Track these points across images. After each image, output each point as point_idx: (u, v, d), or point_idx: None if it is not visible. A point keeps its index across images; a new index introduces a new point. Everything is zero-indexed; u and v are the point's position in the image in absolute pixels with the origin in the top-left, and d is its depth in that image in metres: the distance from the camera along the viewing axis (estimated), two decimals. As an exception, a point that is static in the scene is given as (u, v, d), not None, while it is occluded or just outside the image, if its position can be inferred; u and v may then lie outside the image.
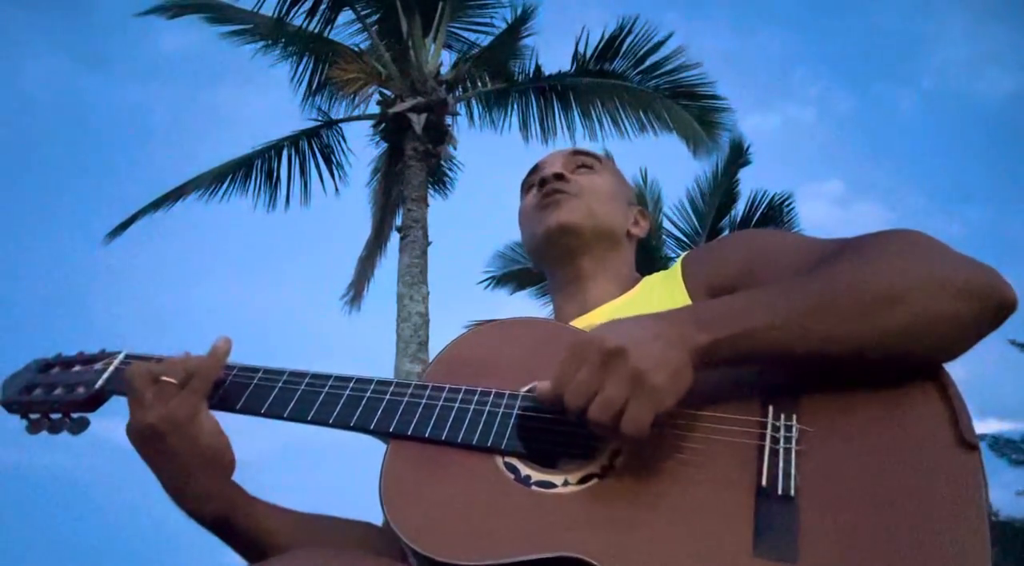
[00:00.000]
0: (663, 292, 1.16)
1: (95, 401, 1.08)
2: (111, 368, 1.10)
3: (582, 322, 1.16)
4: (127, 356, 1.12)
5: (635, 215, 1.38)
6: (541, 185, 1.30)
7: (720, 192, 11.93)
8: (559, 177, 1.29)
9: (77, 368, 1.12)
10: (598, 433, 0.85)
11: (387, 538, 0.99)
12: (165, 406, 0.97)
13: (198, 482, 0.99)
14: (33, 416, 1.09)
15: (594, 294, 1.25)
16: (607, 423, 0.81)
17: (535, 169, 1.36)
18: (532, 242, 1.32)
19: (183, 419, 0.97)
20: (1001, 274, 0.86)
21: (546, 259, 1.32)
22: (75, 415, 1.08)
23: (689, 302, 1.09)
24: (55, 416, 1.09)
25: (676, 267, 1.19)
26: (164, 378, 0.99)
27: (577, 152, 1.37)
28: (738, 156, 11.80)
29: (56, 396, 1.08)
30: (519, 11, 9.56)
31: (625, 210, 1.36)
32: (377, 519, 1.08)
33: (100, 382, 1.08)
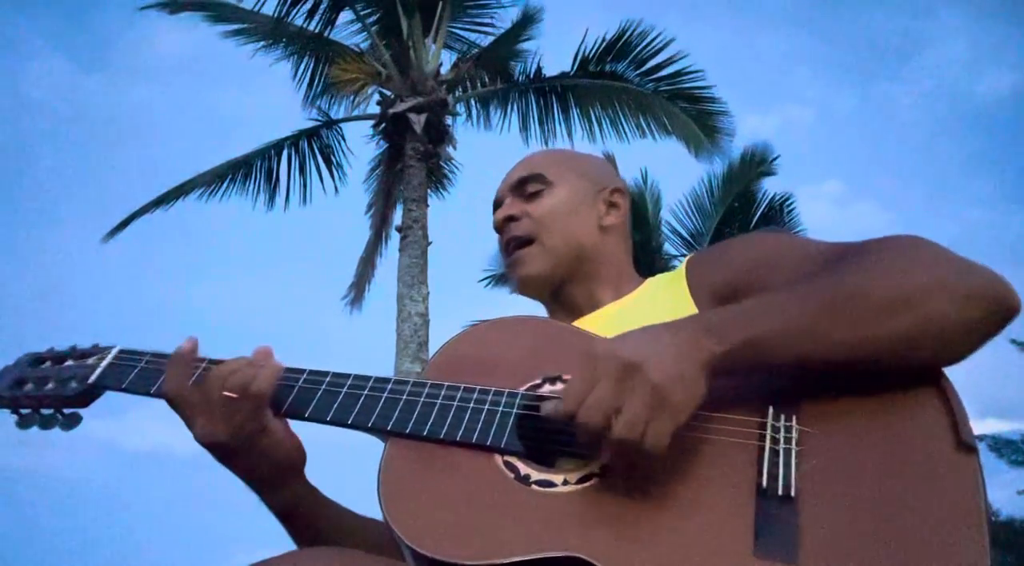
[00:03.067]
0: (667, 295, 1.15)
1: (88, 396, 1.07)
2: (104, 363, 1.08)
3: (582, 325, 1.14)
4: (121, 351, 1.10)
5: (605, 202, 1.29)
6: (499, 230, 1.28)
7: (731, 196, 11.89)
8: (510, 220, 1.26)
9: (69, 363, 1.10)
10: (613, 453, 0.82)
11: None
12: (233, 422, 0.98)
13: (274, 479, 1.04)
14: (24, 411, 1.07)
15: (591, 302, 1.23)
16: (634, 442, 0.79)
17: (495, 201, 1.32)
18: (515, 289, 1.31)
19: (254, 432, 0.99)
20: (1005, 279, 0.87)
21: (534, 298, 1.31)
22: (67, 410, 1.07)
23: (693, 306, 1.08)
24: (46, 411, 1.07)
25: (680, 270, 1.18)
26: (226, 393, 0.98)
27: (523, 180, 1.27)
28: (760, 163, 11.78)
29: (48, 391, 1.06)
30: (519, 12, 9.58)
31: (592, 208, 1.27)
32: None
33: (93, 377, 1.06)
